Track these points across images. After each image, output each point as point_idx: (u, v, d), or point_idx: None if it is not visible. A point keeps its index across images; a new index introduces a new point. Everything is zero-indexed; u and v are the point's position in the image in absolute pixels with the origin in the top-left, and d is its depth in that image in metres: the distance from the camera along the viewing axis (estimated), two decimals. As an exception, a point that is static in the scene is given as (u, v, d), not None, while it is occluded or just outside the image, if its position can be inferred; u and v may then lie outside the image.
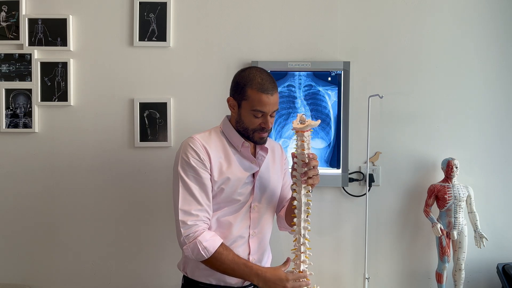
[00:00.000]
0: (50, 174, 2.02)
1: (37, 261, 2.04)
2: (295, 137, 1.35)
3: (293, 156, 1.37)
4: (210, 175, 1.40)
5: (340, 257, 2.04)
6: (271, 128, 1.47)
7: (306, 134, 1.32)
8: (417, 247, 2.04)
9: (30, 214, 2.03)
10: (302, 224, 1.32)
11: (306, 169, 1.33)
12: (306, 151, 1.32)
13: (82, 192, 2.03)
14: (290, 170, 1.43)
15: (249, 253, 1.47)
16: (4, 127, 2.01)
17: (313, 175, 1.35)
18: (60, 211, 2.03)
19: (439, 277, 1.92)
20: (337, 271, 2.05)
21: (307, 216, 1.32)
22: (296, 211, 1.33)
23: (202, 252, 1.33)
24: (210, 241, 1.35)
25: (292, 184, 1.38)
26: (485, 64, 2.02)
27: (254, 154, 1.50)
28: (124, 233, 2.03)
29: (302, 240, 1.32)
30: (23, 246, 2.04)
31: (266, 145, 1.50)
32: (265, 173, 1.51)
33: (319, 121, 1.32)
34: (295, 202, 1.33)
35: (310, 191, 1.36)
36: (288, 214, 1.53)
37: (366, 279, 1.91)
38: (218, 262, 1.35)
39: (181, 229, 1.35)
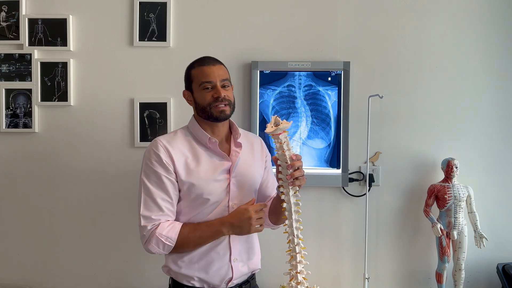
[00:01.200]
0: (50, 174, 2.03)
1: (37, 261, 2.04)
2: (273, 140, 1.31)
3: (275, 160, 1.33)
4: (176, 177, 1.38)
5: (340, 257, 2.04)
6: (231, 101, 1.42)
7: (281, 136, 1.28)
8: (417, 247, 2.04)
9: (30, 214, 2.03)
10: (294, 224, 1.30)
11: (291, 170, 1.29)
12: (287, 153, 1.29)
13: (82, 192, 2.03)
14: (275, 172, 1.37)
15: (230, 254, 1.42)
16: (4, 127, 2.01)
17: (299, 176, 1.30)
18: (60, 211, 2.03)
19: (439, 277, 1.92)
20: (337, 271, 2.05)
21: (297, 216, 1.31)
22: (286, 213, 1.31)
23: (167, 242, 1.33)
24: (169, 228, 1.35)
25: (279, 187, 1.34)
26: (485, 64, 2.02)
27: (229, 151, 1.46)
28: (124, 233, 2.03)
29: (296, 240, 1.30)
30: (23, 246, 2.04)
31: (240, 140, 1.46)
32: (243, 169, 1.45)
33: (291, 122, 1.29)
34: (285, 205, 1.31)
35: (298, 191, 1.33)
36: (272, 213, 1.50)
37: (366, 279, 1.91)
38: (185, 241, 1.34)
39: (144, 233, 1.36)
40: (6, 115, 2.02)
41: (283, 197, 1.31)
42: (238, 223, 1.33)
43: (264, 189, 1.56)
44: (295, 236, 1.30)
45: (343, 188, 2.02)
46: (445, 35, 2.02)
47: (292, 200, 1.30)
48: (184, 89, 1.49)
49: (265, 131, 1.27)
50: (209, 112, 1.40)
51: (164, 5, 2.00)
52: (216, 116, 1.40)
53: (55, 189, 2.03)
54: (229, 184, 1.42)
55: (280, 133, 1.27)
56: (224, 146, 1.46)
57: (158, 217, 1.36)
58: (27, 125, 2.01)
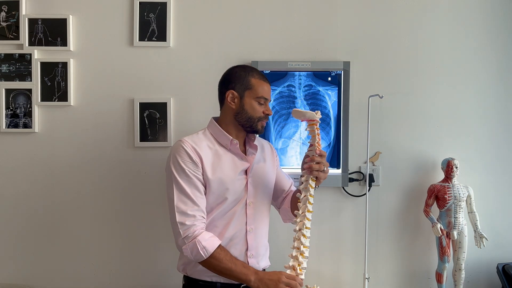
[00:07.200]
0: (50, 174, 2.02)
1: (37, 261, 2.04)
2: (308, 129, 1.45)
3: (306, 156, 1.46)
4: (203, 176, 1.44)
5: (340, 257, 2.04)
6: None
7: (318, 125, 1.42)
8: (417, 247, 2.04)
9: (30, 214, 2.03)
10: (302, 219, 1.38)
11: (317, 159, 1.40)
12: (317, 142, 1.42)
13: (82, 192, 2.02)
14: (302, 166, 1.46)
15: (247, 249, 1.49)
16: (4, 127, 2.01)
17: (321, 166, 1.39)
18: (60, 211, 2.03)
19: (439, 277, 1.92)
20: (337, 271, 2.05)
21: (307, 212, 1.38)
22: (300, 204, 1.40)
23: (201, 252, 1.36)
24: (209, 241, 1.38)
25: (301, 176, 1.44)
26: (485, 63, 2.02)
27: (245, 152, 1.54)
28: (124, 233, 2.03)
29: (304, 231, 1.36)
30: (23, 246, 2.03)
31: (255, 143, 1.55)
32: (258, 169, 1.55)
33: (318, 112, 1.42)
34: (301, 195, 1.40)
35: (315, 187, 1.42)
36: (293, 205, 1.56)
37: (366, 279, 1.91)
38: (217, 261, 1.37)
39: (180, 230, 1.38)
40: (6, 115, 2.01)
41: (301, 186, 1.41)
42: (267, 281, 1.36)
43: (280, 184, 1.66)
44: (304, 224, 1.37)
45: (343, 188, 2.02)
46: (445, 35, 2.02)
47: (311, 191, 1.39)
48: (219, 86, 1.55)
49: (312, 117, 1.40)
50: (254, 124, 1.50)
51: (164, 5, 2.00)
52: (257, 130, 1.51)
53: (55, 189, 2.03)
54: (247, 183, 1.50)
55: (313, 122, 1.41)
56: (241, 148, 1.53)
57: (194, 212, 1.39)
58: (27, 125, 2.01)
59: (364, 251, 1.94)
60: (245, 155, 1.53)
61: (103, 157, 2.02)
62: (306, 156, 1.46)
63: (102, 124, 2.02)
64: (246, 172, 1.51)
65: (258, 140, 1.61)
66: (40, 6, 2.02)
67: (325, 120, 2.00)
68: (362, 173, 2.03)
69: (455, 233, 1.88)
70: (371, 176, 2.00)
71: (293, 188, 1.68)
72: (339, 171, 1.99)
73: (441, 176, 1.96)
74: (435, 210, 1.95)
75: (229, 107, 1.50)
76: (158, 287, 2.03)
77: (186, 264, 1.49)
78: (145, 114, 2.01)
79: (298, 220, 1.39)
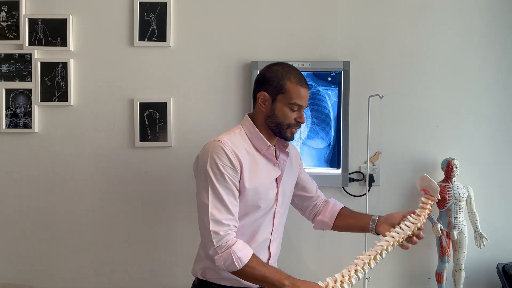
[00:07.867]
0: (50, 174, 2.02)
1: (37, 261, 2.04)
2: (423, 200, 1.44)
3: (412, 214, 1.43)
4: (239, 182, 1.35)
5: (340, 257, 2.04)
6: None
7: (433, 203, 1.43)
8: (417, 247, 2.01)
9: (30, 214, 2.03)
10: (368, 259, 1.32)
11: (410, 232, 1.40)
12: (424, 218, 1.42)
13: (82, 192, 2.03)
14: (408, 219, 1.42)
15: (268, 258, 1.45)
16: (4, 127, 2.01)
17: (414, 241, 1.42)
18: (60, 211, 2.03)
19: (439, 277, 1.92)
20: (338, 271, 2.04)
21: (379, 254, 1.34)
22: (376, 246, 1.36)
23: (235, 262, 1.28)
24: (243, 251, 1.30)
25: (394, 228, 1.41)
26: (485, 64, 2.02)
27: (275, 157, 1.47)
28: (124, 233, 2.03)
29: (358, 267, 1.31)
30: (23, 246, 2.04)
31: (287, 150, 1.48)
32: (286, 177, 1.48)
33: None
34: (383, 243, 1.37)
35: (394, 246, 1.40)
36: (344, 225, 1.59)
37: (366, 279, 1.91)
38: (250, 269, 1.29)
39: (213, 240, 1.28)
40: (6, 115, 2.02)
41: (389, 233, 1.40)
42: (302, 286, 1.30)
43: (306, 188, 1.61)
44: (364, 263, 1.32)
45: (343, 188, 2.02)
46: (445, 35, 2.02)
47: (391, 246, 1.39)
48: (255, 88, 1.45)
49: (434, 192, 1.40)
50: (283, 130, 1.40)
51: (164, 5, 2.00)
52: (287, 137, 1.42)
53: (55, 189, 2.03)
54: (277, 192, 1.44)
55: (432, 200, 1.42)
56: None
57: (228, 221, 1.30)
58: (27, 125, 2.01)
59: (364, 251, 1.93)
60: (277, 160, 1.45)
61: (103, 157, 2.02)
62: (408, 220, 1.41)
63: (102, 124, 2.02)
64: (276, 180, 1.44)
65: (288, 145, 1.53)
66: (40, 6, 2.02)
67: (325, 120, 2.00)
68: (362, 173, 2.03)
69: (455, 233, 1.88)
70: (371, 176, 2.00)
71: (320, 193, 1.64)
72: (339, 171, 1.99)
73: (441, 176, 1.95)
74: (435, 210, 1.95)
75: (260, 109, 1.41)
76: (158, 287, 2.03)
77: (206, 268, 1.42)
78: (145, 114, 2.01)
79: (364, 255, 1.33)
